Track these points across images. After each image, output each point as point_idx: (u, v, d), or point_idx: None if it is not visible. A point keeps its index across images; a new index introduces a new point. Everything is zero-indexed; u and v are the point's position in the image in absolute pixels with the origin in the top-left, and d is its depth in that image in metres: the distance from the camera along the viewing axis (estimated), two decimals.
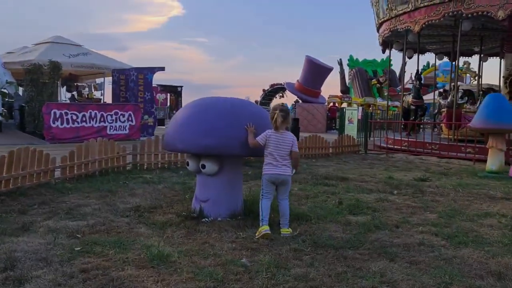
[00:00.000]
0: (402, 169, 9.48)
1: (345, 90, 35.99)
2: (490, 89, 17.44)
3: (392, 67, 38.29)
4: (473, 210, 5.29)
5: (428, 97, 23.43)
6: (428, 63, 39.22)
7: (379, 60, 38.49)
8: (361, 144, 13.49)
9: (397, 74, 36.53)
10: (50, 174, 6.32)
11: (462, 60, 23.53)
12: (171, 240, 3.85)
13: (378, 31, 16.61)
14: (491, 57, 18.87)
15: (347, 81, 37.10)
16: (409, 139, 13.15)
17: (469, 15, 11.74)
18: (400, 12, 13.73)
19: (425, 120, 16.30)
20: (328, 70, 29.32)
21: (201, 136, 4.20)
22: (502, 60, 18.70)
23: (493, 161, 8.26)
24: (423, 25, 12.85)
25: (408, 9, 13.33)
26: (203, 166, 4.47)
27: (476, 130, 8.59)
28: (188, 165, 4.64)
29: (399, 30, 13.97)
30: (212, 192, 4.57)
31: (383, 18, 15.08)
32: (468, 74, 27.50)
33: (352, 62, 38.10)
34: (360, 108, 21.24)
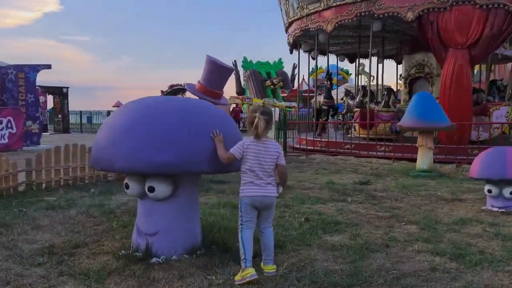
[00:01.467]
0: (332, 171, 9.08)
1: (240, 91, 35.76)
2: (390, 89, 18.30)
3: (284, 69, 39.36)
4: (444, 216, 4.89)
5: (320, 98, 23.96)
6: (317, 66, 41.01)
7: (272, 63, 39.24)
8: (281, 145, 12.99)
9: (289, 76, 37.55)
10: None
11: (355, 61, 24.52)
12: None
13: (287, 30, 16.38)
14: (386, 59, 19.87)
15: (242, 82, 36.96)
16: (329, 140, 13.02)
17: (380, 16, 11.90)
18: (312, 11, 13.55)
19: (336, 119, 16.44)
20: (230, 70, 28.39)
21: (154, 150, 3.06)
22: (397, 61, 19.86)
23: (424, 160, 8.22)
24: (336, 25, 12.79)
25: (320, 8, 13.19)
26: (151, 189, 3.32)
27: (406, 129, 8.50)
28: (127, 187, 3.45)
29: (311, 29, 13.78)
30: (162, 223, 3.44)
31: (293, 17, 14.82)
32: (362, 75, 29.03)
33: (247, 63, 38.12)
34: (277, 109, 21.06)
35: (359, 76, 24.04)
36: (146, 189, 3.34)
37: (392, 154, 11.01)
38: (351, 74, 41.86)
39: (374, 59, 20.12)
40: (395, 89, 18.70)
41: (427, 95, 8.30)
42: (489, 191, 5.02)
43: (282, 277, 3.05)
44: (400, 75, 20.47)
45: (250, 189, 3.08)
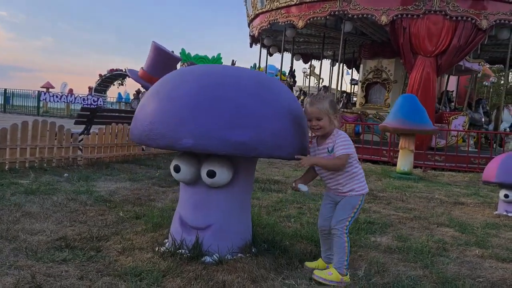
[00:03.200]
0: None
1: None
2: (347, 92, 18.58)
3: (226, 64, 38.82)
4: (467, 220, 4.77)
5: None
6: (255, 65, 40.95)
7: (210, 57, 38.54)
8: None
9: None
10: None
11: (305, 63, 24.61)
12: None
13: (251, 23, 15.93)
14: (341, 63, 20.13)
15: None
16: None
17: (354, 16, 11.88)
18: (283, 4, 13.22)
19: None
20: (177, 60, 27.69)
21: (232, 128, 2.48)
22: (349, 66, 20.22)
23: (405, 162, 8.23)
24: (308, 21, 12.59)
25: (292, 3, 12.90)
26: (211, 174, 2.74)
27: (391, 131, 8.46)
28: (177, 171, 2.83)
29: (280, 23, 13.46)
30: (217, 215, 2.87)
31: (261, 9, 14.40)
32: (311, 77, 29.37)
33: (184, 56, 37.04)
34: None
35: (309, 77, 24.32)
36: (205, 174, 2.76)
37: (361, 156, 11.03)
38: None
39: (328, 62, 20.42)
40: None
41: (412, 97, 8.32)
42: (506, 196, 5.00)
43: (370, 284, 2.64)
44: (351, 80, 20.96)
45: (365, 183, 2.71)
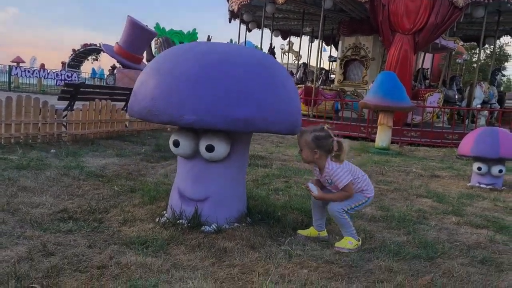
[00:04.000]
0: (289, 145, 9.04)
1: (151, 59, 34.07)
2: (325, 69, 18.73)
3: (199, 40, 38.22)
4: (443, 191, 5.06)
5: None
6: (231, 41, 40.52)
7: (185, 32, 37.88)
8: None
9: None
10: None
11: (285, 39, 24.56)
12: (219, 279, 2.27)
13: None
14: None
15: (153, 50, 35.21)
16: None
17: None
18: None
19: None
20: (153, 34, 27.31)
21: (234, 103, 2.60)
22: (327, 43, 20.34)
23: (383, 137, 8.52)
24: None
25: None
26: (210, 148, 2.87)
27: (371, 108, 8.70)
28: (176, 145, 2.95)
29: None
30: (214, 187, 3.02)
31: None
32: (290, 53, 29.41)
33: (159, 30, 36.28)
34: None
35: (287, 53, 24.36)
36: (204, 148, 2.89)
37: (338, 132, 11.29)
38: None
39: (307, 38, 20.49)
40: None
41: (392, 74, 8.54)
42: (479, 168, 5.31)
43: (360, 249, 2.85)
44: (330, 56, 21.11)
45: (372, 188, 3.00)
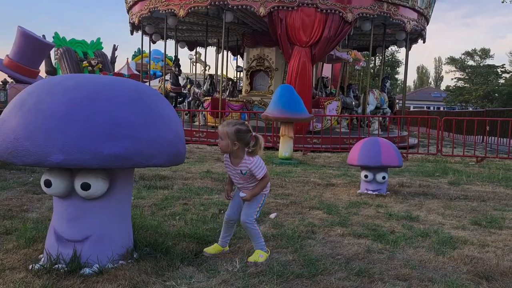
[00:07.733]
0: (196, 160, 9.03)
1: (51, 70, 32.00)
2: (232, 80, 18.95)
3: (104, 50, 36.83)
4: (334, 201, 5.34)
5: (154, 84, 23.24)
6: (139, 50, 39.57)
7: (89, 42, 36.31)
8: None
9: (109, 58, 35.36)
10: None
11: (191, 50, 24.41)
12: None
13: (130, 10, 15.37)
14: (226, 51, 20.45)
15: (53, 60, 33.20)
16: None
17: (234, 7, 12.20)
18: None
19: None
20: (50, 46, 25.50)
21: (104, 140, 2.51)
22: (234, 54, 20.65)
23: (286, 148, 8.82)
24: (189, 10, 12.59)
25: None
26: (86, 187, 2.74)
27: (272, 120, 8.96)
28: (48, 185, 2.77)
29: (160, 11, 13.24)
30: (94, 226, 2.88)
31: None
32: (198, 64, 29.27)
33: (59, 40, 34.36)
34: None
35: (195, 64, 24.29)
36: (79, 187, 2.75)
37: None
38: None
39: (213, 49, 20.60)
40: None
41: (289, 87, 8.90)
42: (366, 176, 5.70)
43: (246, 275, 2.90)
44: (237, 67, 21.46)
45: (269, 185, 3.36)
